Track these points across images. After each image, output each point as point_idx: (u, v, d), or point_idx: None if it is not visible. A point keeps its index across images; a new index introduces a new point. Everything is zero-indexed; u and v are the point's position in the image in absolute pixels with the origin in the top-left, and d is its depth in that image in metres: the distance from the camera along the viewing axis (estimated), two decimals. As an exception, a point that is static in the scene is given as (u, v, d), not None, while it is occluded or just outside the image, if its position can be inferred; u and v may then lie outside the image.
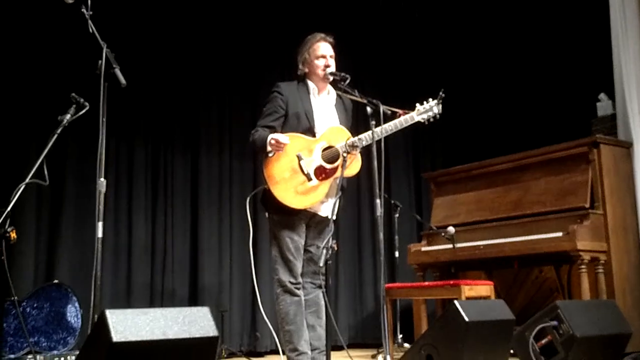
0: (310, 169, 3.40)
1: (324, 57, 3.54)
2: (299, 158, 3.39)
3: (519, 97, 6.30)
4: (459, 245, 4.75)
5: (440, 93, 3.48)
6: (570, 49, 5.85)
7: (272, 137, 3.35)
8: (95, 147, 2.75)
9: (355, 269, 6.19)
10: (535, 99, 6.18)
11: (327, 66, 3.52)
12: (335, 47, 3.61)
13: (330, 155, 3.44)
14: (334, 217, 3.03)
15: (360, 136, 3.38)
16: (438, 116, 3.52)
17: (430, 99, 3.55)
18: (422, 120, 3.52)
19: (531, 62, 6.23)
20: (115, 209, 5.05)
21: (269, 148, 3.36)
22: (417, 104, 3.54)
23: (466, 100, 6.53)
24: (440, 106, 3.53)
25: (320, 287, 3.47)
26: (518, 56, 6.31)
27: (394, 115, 3.40)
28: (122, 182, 5.14)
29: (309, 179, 3.38)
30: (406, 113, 3.50)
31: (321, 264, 2.85)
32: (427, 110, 3.51)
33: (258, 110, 3.79)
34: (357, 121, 3.95)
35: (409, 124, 3.50)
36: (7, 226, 2.79)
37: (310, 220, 3.51)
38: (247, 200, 3.60)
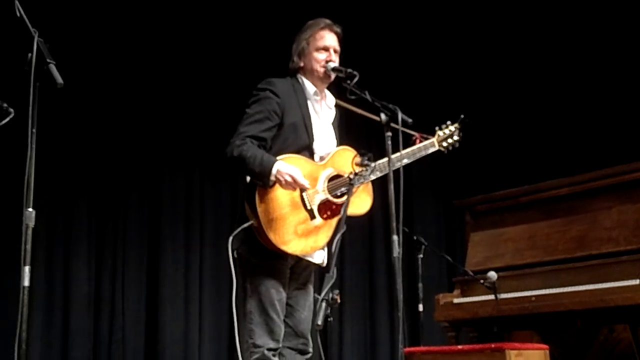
0: (314, 204, 3.37)
1: (326, 49, 3.52)
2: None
3: (582, 102, 6.35)
4: (503, 295, 4.74)
5: (462, 116, 3.66)
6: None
7: (287, 171, 3.23)
8: (21, 167, 2.76)
9: (365, 328, 6.18)
10: (603, 105, 6.23)
11: (328, 61, 3.50)
12: (342, 40, 3.60)
13: (338, 187, 3.43)
14: (334, 259, 3.00)
15: (379, 162, 3.35)
16: (457, 144, 3.70)
17: (449, 122, 3.69)
18: (442, 149, 3.67)
19: (603, 56, 6.31)
20: (47, 249, 5.07)
21: (272, 179, 3.23)
22: (437, 128, 3.66)
23: (510, 106, 6.58)
24: (461, 134, 3.69)
25: (302, 352, 3.43)
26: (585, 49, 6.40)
27: (408, 140, 3.46)
28: (56, 213, 5.18)
29: (312, 217, 3.36)
30: (424, 137, 3.59)
31: (319, 322, 2.68)
32: (447, 136, 3.68)
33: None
34: (358, 137, 3.95)
35: (428, 152, 3.62)
36: None
37: (295, 265, 3.45)
38: (230, 242, 3.30)
